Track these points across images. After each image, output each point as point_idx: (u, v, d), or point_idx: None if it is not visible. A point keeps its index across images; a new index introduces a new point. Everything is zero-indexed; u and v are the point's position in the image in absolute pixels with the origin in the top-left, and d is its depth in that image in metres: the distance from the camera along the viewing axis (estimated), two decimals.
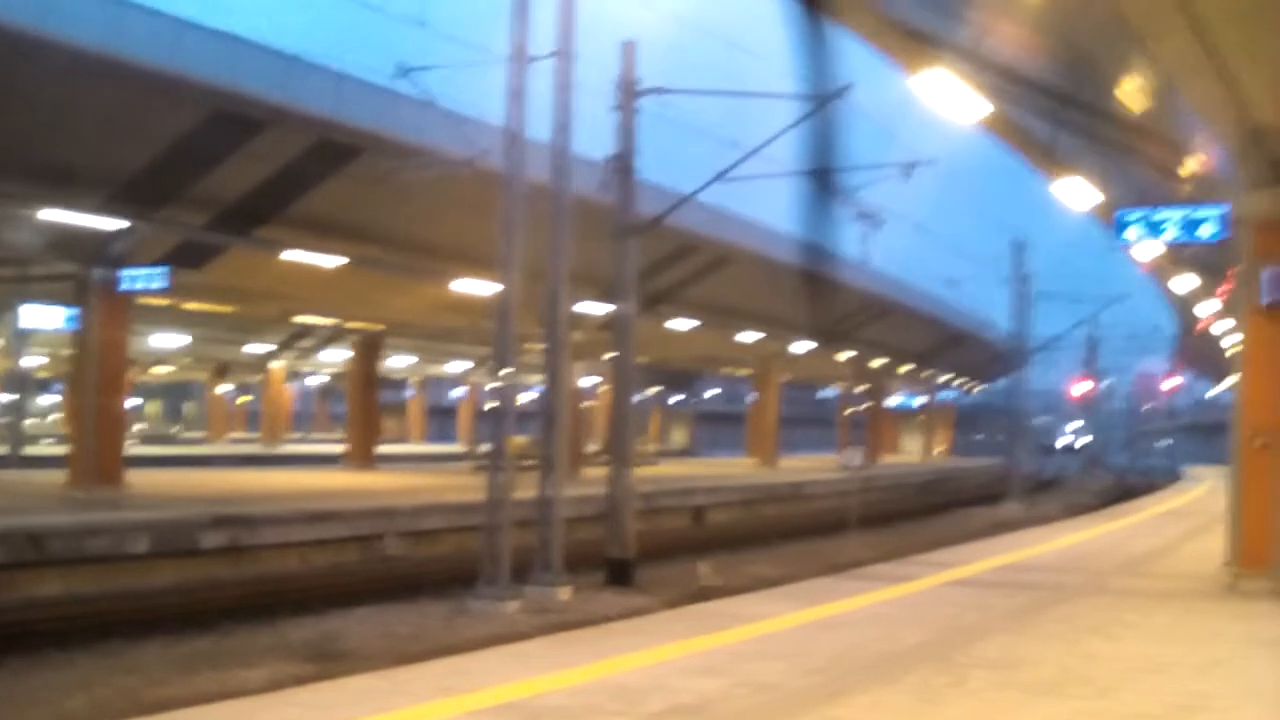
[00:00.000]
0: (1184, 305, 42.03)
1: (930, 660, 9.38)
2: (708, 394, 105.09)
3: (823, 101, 16.95)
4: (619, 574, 17.87)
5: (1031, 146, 18.38)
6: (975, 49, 13.54)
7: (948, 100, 13.96)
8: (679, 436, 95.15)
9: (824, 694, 8.07)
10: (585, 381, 47.06)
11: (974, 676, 8.73)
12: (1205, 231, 14.92)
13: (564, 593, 15.86)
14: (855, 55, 14.68)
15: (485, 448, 16.93)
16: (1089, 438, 79.14)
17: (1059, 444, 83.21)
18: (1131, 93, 14.75)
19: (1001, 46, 13.88)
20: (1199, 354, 67.59)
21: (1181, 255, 24.83)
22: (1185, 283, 28.65)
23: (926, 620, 11.51)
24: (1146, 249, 21.06)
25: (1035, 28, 13.26)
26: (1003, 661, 9.38)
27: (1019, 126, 17.37)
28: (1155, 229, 15.06)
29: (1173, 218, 15.02)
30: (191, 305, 36.08)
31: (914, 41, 13.17)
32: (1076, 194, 19.04)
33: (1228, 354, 48.08)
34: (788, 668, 8.89)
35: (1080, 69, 14.43)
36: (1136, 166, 18.91)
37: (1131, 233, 15.27)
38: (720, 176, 19.66)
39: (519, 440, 18.07)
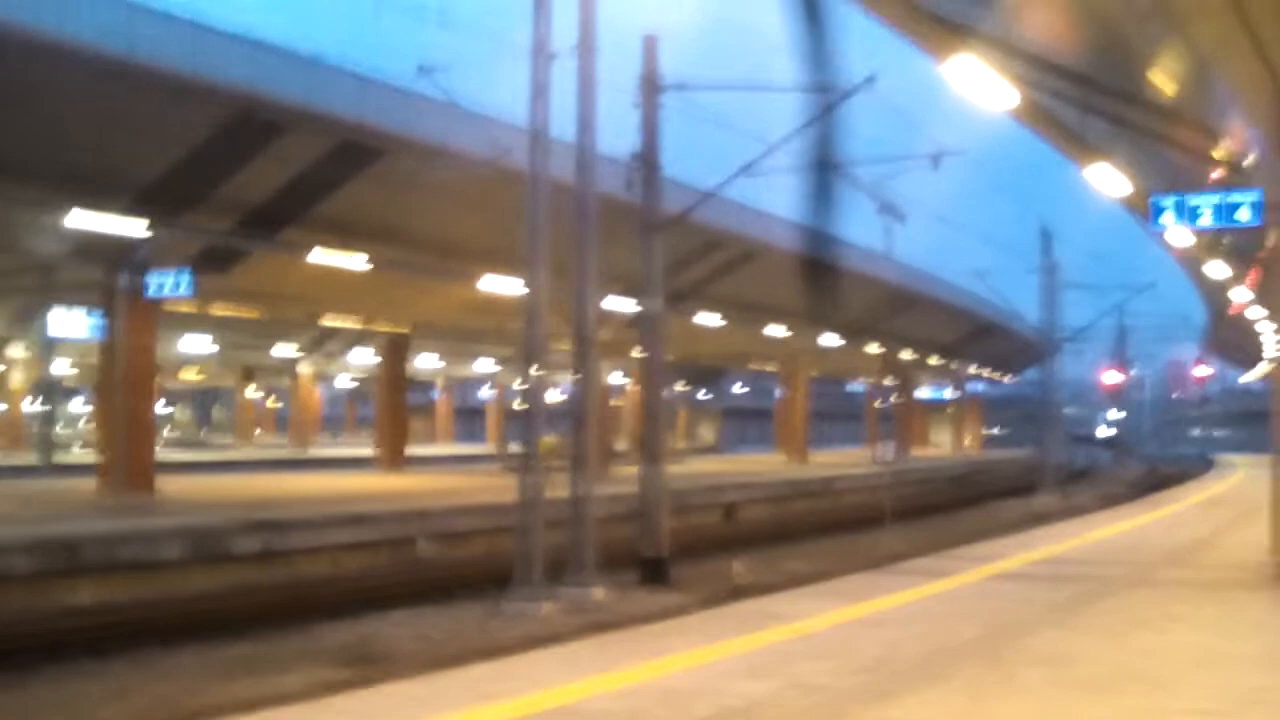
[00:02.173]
0: (1214, 292, 41.65)
1: (979, 657, 9.21)
2: (733, 390, 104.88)
3: (844, 95, 16.83)
4: (653, 573, 17.72)
5: (1061, 133, 18.15)
6: (1004, 35, 13.33)
7: (976, 87, 13.74)
8: (706, 433, 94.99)
9: (873, 694, 7.90)
10: (612, 379, 46.93)
11: (1025, 674, 8.54)
12: (1241, 216, 14.71)
13: (598, 592, 15.70)
14: (881, 46, 14.51)
15: (515, 448, 16.81)
16: (1121, 428, 78.54)
17: (1099, 433, 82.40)
18: (1165, 76, 14.51)
19: (1031, 32, 13.67)
20: (1229, 341, 67.07)
21: (1212, 241, 24.54)
22: (1218, 269, 28.32)
23: (971, 616, 11.31)
24: (1180, 235, 20.79)
25: (1066, 12, 13.05)
26: (1053, 658, 9.18)
27: (1048, 113, 17.14)
28: (1190, 214, 14.85)
29: (1207, 203, 14.81)
30: (218, 310, 36.09)
31: (941, 28, 12.97)
32: (1107, 181, 18.79)
33: (1261, 340, 47.69)
34: (834, 668, 8.72)
35: (1112, 53, 14.21)
36: (1168, 152, 18.65)
37: (1166, 218, 15.06)
38: (744, 170, 19.52)
39: (549, 440, 17.94)
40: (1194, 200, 14.77)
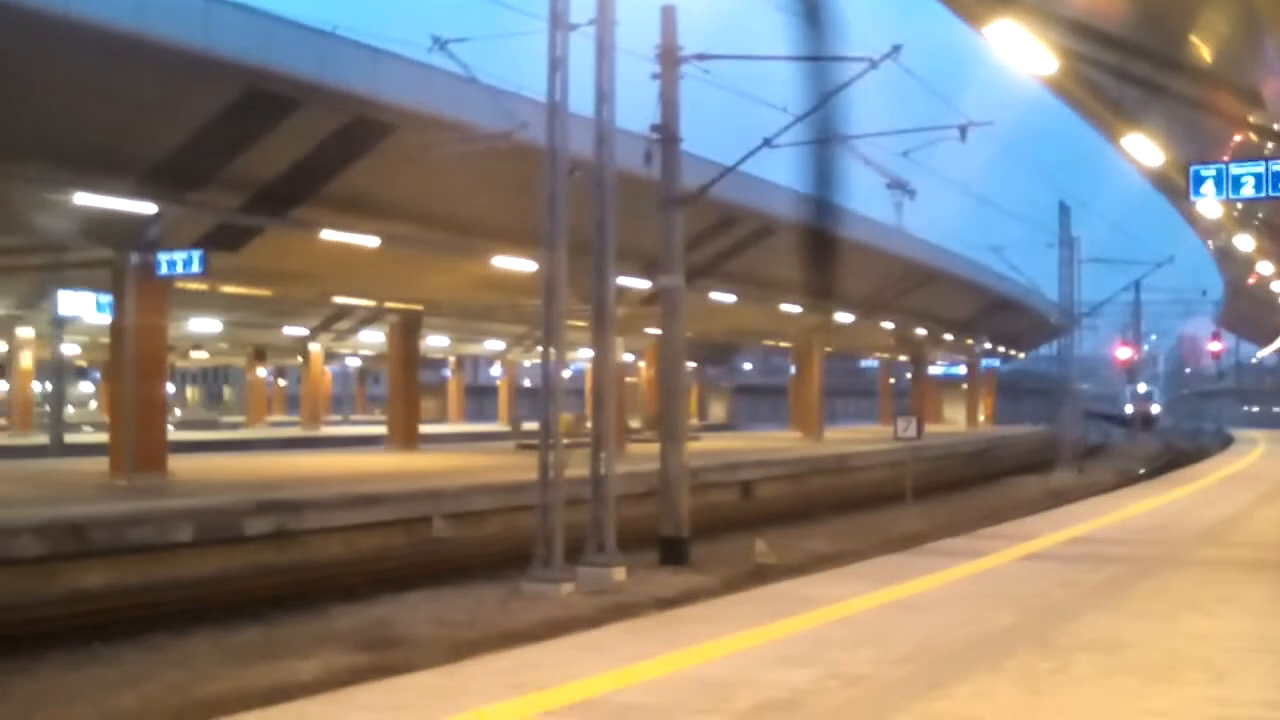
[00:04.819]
0: (1236, 265, 41.17)
1: (1026, 643, 8.80)
2: (745, 366, 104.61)
3: (870, 65, 16.24)
4: (673, 552, 17.40)
5: (1096, 102, 17.69)
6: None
7: (1015, 54, 13.29)
8: (718, 410, 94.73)
9: (921, 684, 7.50)
10: (626, 357, 46.53)
11: (1078, 661, 8.14)
12: None
13: (619, 573, 15.40)
14: (911, 16, 14.08)
15: (529, 425, 16.52)
16: (1136, 402, 78.03)
17: (1128, 410, 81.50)
18: (1208, 38, 14.05)
19: None
20: (1246, 315, 66.58)
21: (1244, 214, 24.11)
22: (1245, 242, 27.88)
23: (1011, 599, 10.90)
24: (1210, 207, 20.35)
25: None
26: (1104, 643, 8.78)
27: (1085, 81, 16.68)
28: (1233, 185, 14.36)
29: (1250, 173, 14.33)
30: (229, 289, 35.70)
31: None
32: (1140, 151, 18.34)
33: None
34: (876, 655, 8.33)
35: (1153, 17, 13.76)
36: (1202, 120, 18.19)
37: (1206, 188, 14.59)
38: (766, 144, 19.06)
39: (565, 417, 17.59)
40: (1237, 170, 14.27)
